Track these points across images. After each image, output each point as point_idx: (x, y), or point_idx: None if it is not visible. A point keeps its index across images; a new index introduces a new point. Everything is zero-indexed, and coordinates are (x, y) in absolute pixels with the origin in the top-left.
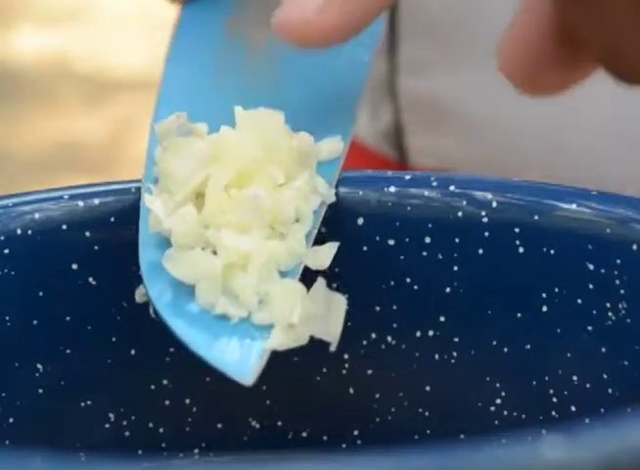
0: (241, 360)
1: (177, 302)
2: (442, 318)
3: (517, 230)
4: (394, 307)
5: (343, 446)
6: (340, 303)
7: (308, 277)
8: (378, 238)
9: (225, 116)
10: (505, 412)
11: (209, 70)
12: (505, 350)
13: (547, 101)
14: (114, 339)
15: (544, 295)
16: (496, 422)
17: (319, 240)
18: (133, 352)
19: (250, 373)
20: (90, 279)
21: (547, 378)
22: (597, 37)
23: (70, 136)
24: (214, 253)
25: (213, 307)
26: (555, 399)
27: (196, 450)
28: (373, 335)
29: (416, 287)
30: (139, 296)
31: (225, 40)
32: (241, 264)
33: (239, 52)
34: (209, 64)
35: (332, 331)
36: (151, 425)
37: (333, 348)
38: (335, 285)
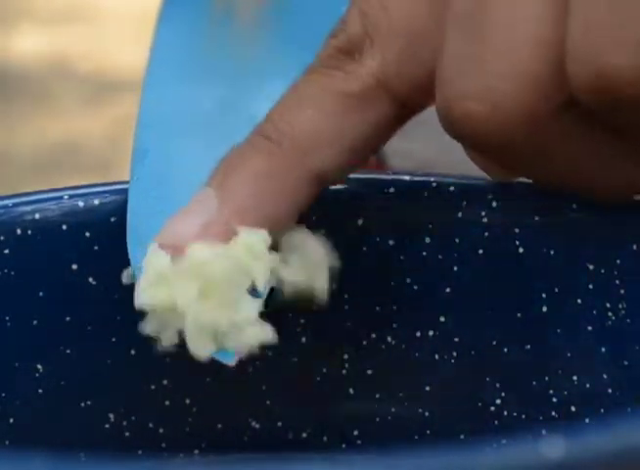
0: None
1: None
2: (442, 318)
3: (517, 230)
4: (394, 307)
5: (343, 446)
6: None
7: None
8: (378, 238)
9: (214, 84)
10: (505, 412)
11: (198, 40)
12: (505, 350)
13: None
14: (113, 339)
15: (544, 295)
16: (496, 422)
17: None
18: (133, 352)
19: (233, 354)
20: (90, 279)
21: (547, 378)
22: None
23: (70, 136)
24: None
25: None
26: (555, 399)
27: (196, 450)
28: (373, 335)
29: (416, 287)
30: (126, 277)
31: (213, 8)
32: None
33: (227, 20)
34: (198, 33)
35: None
36: (151, 425)
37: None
38: (334, 285)
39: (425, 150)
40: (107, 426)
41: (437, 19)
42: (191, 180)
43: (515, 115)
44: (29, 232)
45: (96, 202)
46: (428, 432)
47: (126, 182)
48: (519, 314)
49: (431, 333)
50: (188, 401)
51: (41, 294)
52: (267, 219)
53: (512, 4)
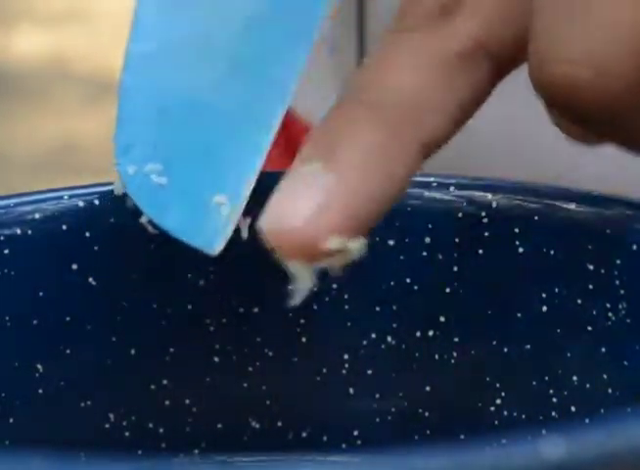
0: (207, 231)
1: (147, 182)
2: (442, 318)
3: (517, 230)
4: (394, 307)
5: (343, 446)
6: None
7: None
8: (378, 238)
9: (201, 13)
10: (505, 412)
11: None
12: (505, 350)
13: (513, 100)
14: (113, 339)
15: (544, 295)
16: (496, 422)
17: None
18: (133, 351)
19: (216, 243)
20: (90, 279)
21: (547, 378)
22: None
23: (70, 137)
24: None
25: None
26: (555, 400)
27: (196, 450)
28: (373, 335)
29: (416, 287)
30: (117, 188)
31: None
32: None
33: None
34: None
35: None
36: (151, 425)
37: None
38: (334, 285)
39: None
40: (107, 426)
41: None
42: (182, 94)
43: (618, 82)
44: (29, 232)
45: (96, 202)
46: (428, 432)
47: None
48: (519, 314)
49: (431, 333)
50: (188, 401)
51: (41, 294)
52: (383, 197)
53: None
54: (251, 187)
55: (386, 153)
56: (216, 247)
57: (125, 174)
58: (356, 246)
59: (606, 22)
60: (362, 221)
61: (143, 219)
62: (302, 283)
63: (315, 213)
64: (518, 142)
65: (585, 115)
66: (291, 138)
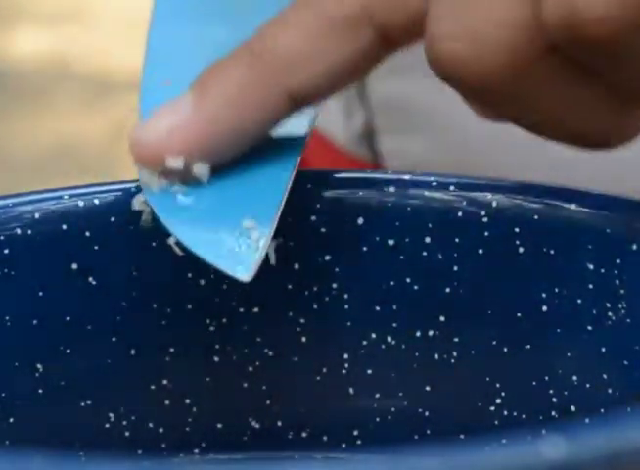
0: (238, 256)
1: (174, 202)
2: (442, 318)
3: (517, 230)
4: (394, 307)
5: (343, 446)
6: None
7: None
8: (378, 238)
9: (220, 22)
10: (505, 412)
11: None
12: (505, 350)
13: None
14: (114, 339)
15: (544, 295)
16: (496, 422)
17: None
18: (133, 351)
19: (247, 269)
20: (90, 279)
21: (547, 378)
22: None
23: (69, 137)
24: None
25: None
26: (555, 400)
27: (196, 450)
28: (373, 335)
29: (416, 287)
30: (138, 203)
31: None
32: None
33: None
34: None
35: None
36: (151, 425)
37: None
38: (334, 285)
39: (422, 151)
40: (107, 426)
41: None
42: None
43: (497, 58)
44: (29, 232)
45: (96, 202)
46: (428, 432)
47: (126, 182)
48: (519, 314)
49: (431, 333)
50: (188, 401)
51: (41, 294)
52: (235, 132)
53: None
54: (281, 211)
55: (249, 93)
56: (248, 273)
57: (149, 192)
58: (199, 169)
59: (484, 11)
60: (210, 149)
61: (170, 240)
62: (149, 188)
63: (166, 133)
64: (487, 142)
65: (471, 90)
66: None
